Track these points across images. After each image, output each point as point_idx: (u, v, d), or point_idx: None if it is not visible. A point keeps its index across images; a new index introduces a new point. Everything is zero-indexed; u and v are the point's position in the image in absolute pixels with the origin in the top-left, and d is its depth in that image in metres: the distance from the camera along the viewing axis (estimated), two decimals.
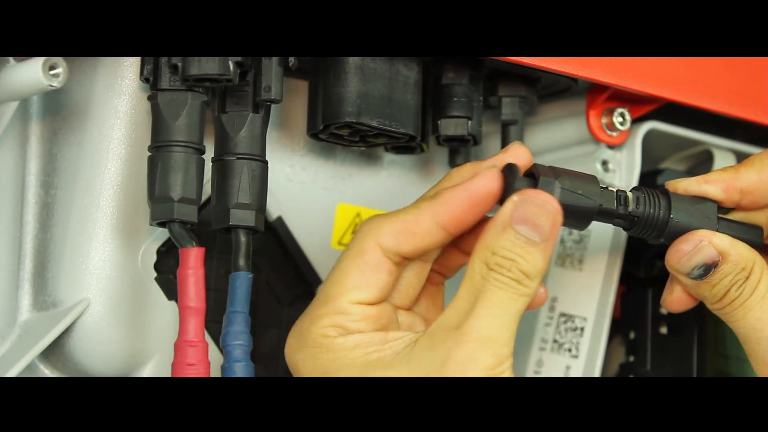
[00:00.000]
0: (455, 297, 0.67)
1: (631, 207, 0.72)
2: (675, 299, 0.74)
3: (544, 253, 0.67)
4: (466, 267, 0.68)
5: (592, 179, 0.70)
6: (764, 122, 0.84)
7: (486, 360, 0.65)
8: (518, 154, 0.70)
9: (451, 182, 0.71)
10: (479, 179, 0.69)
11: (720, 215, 0.73)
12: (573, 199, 0.69)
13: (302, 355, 0.68)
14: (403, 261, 0.70)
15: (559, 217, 0.68)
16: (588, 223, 0.71)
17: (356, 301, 0.69)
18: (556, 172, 0.69)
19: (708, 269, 0.71)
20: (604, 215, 0.71)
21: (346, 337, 0.67)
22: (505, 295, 0.66)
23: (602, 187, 0.71)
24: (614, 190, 0.72)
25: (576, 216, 0.70)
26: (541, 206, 0.67)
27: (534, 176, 0.69)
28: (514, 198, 0.67)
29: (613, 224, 0.73)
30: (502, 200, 0.69)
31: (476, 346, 0.65)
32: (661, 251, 0.74)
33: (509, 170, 0.69)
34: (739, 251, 0.71)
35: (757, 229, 0.74)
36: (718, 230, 0.72)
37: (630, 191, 0.72)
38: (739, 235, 0.73)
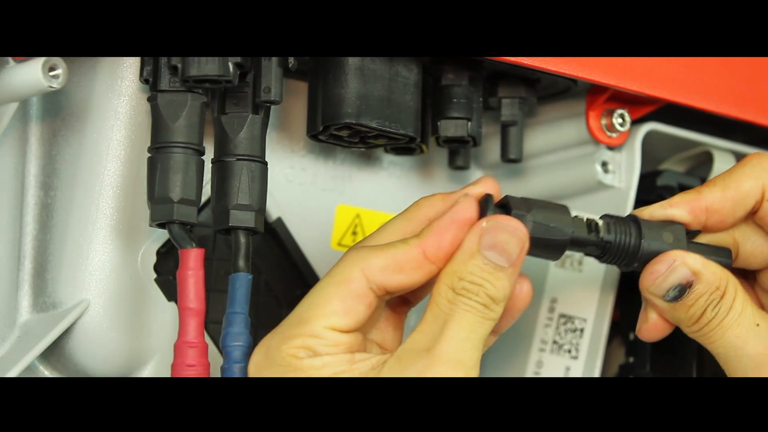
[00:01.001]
0: (421, 321, 0.67)
1: (602, 234, 0.72)
2: (651, 326, 0.73)
3: (511, 278, 0.68)
4: (431, 293, 0.68)
5: (564, 209, 0.71)
6: (764, 123, 0.84)
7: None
8: (488, 187, 0.71)
9: (422, 212, 0.71)
10: (462, 207, 0.69)
11: (689, 240, 0.73)
12: (546, 232, 0.70)
13: (269, 373, 0.67)
14: (386, 295, 0.70)
15: (527, 243, 0.68)
16: (561, 254, 0.71)
17: (331, 327, 0.68)
18: (528, 205, 0.70)
19: (683, 290, 0.71)
20: (577, 244, 0.72)
21: (313, 359, 0.67)
22: (473, 318, 0.67)
23: (573, 216, 0.71)
24: (584, 218, 0.72)
25: (549, 248, 0.70)
26: (510, 232, 0.68)
27: (506, 207, 0.70)
28: (483, 224, 0.68)
29: (585, 253, 0.73)
30: None
31: (448, 368, 0.65)
32: None
33: (484, 201, 0.69)
34: (712, 270, 0.71)
35: (726, 250, 0.74)
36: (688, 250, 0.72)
37: (600, 219, 0.72)
38: (709, 256, 0.73)
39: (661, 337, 0.74)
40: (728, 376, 0.70)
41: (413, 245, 0.69)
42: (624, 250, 0.72)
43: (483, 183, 0.71)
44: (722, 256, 0.74)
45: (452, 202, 0.70)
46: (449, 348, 0.66)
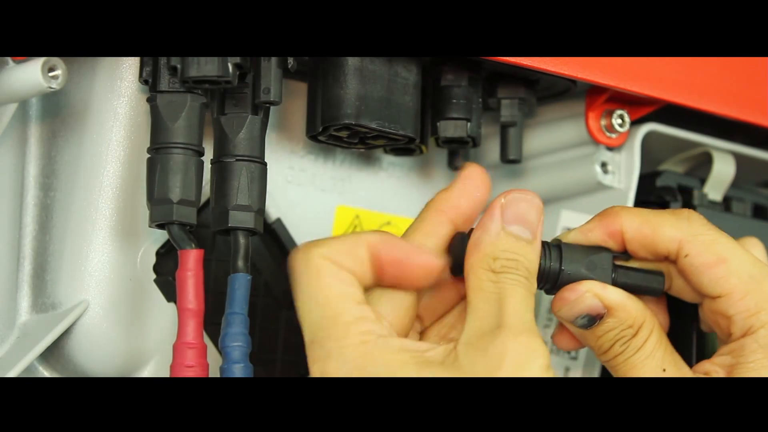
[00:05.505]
0: (472, 310, 0.67)
1: None
2: (563, 338, 0.74)
3: (537, 251, 0.69)
4: (467, 285, 0.68)
5: None
6: (764, 124, 0.84)
7: (543, 350, 0.65)
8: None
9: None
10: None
11: (619, 263, 0.73)
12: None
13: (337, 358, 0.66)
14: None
15: (542, 208, 0.69)
16: None
17: (358, 302, 0.66)
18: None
19: (592, 320, 0.70)
20: None
21: (385, 339, 0.66)
22: (523, 291, 0.67)
23: None
24: None
25: None
26: (529, 202, 0.69)
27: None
28: (501, 200, 0.68)
29: None
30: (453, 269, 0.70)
31: (527, 336, 0.65)
32: None
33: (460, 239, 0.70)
34: (628, 308, 0.71)
35: (657, 275, 0.73)
36: (614, 278, 0.72)
37: None
38: (636, 282, 0.72)
39: (573, 349, 0.75)
40: None
41: (362, 245, 0.68)
42: (545, 277, 0.71)
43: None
44: (651, 282, 0.73)
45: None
46: (518, 319, 0.66)
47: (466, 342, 0.66)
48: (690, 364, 0.72)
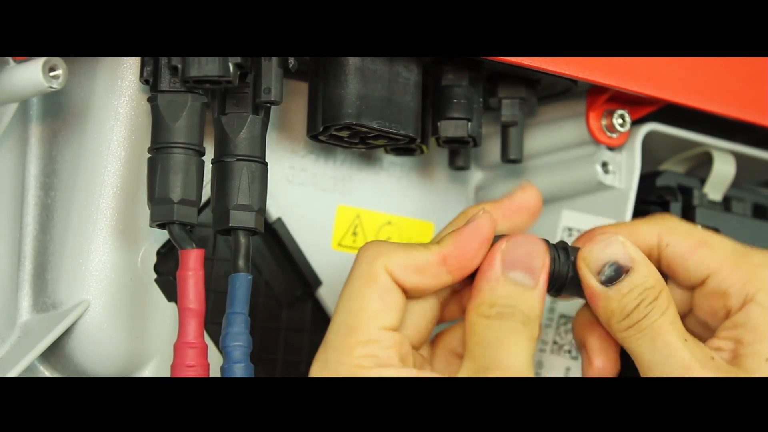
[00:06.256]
0: (467, 351, 0.68)
1: None
2: (596, 371, 0.74)
3: (540, 296, 0.69)
4: (466, 330, 0.68)
5: None
6: (764, 124, 0.84)
7: None
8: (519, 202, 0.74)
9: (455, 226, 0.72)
10: (483, 222, 0.69)
11: None
12: None
13: None
14: (408, 293, 0.70)
15: (548, 255, 0.69)
16: None
17: (383, 327, 0.67)
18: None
19: (618, 271, 0.70)
20: None
21: (381, 369, 0.66)
22: (519, 338, 0.67)
23: None
24: None
25: None
26: (530, 248, 0.68)
27: None
28: (502, 246, 0.68)
29: None
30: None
31: None
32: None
33: None
34: (651, 268, 0.70)
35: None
36: None
37: None
38: None
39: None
40: None
41: (434, 251, 0.69)
42: (553, 278, 0.71)
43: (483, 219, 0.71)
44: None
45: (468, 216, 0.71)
46: (507, 364, 0.66)
47: None
48: None
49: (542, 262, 0.69)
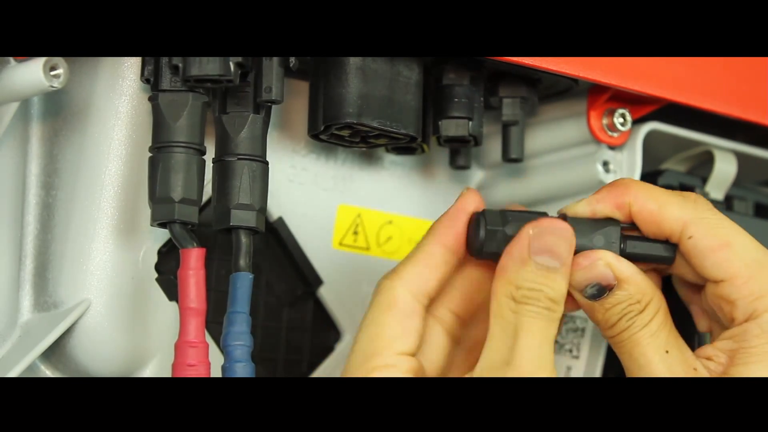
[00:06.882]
0: (490, 337, 0.68)
1: None
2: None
3: (565, 277, 0.69)
4: (491, 306, 0.69)
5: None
6: (765, 123, 0.84)
7: None
8: (472, 200, 0.73)
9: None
10: (468, 198, 0.72)
11: (628, 233, 0.72)
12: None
13: None
14: (429, 303, 0.71)
15: (574, 240, 0.69)
16: None
17: (401, 353, 0.69)
18: (504, 218, 0.71)
19: (602, 290, 0.70)
20: None
21: None
22: (541, 323, 0.68)
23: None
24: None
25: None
26: (558, 234, 0.69)
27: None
28: (530, 231, 0.68)
29: None
30: (470, 249, 0.71)
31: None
32: None
33: (476, 218, 0.72)
34: (638, 282, 0.70)
35: (668, 244, 0.72)
36: (623, 250, 0.72)
37: None
38: (646, 252, 0.72)
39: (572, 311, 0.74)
40: None
41: (431, 243, 0.71)
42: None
43: (467, 196, 0.73)
44: (661, 251, 0.73)
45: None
46: (528, 357, 0.67)
47: (479, 374, 0.67)
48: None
49: (569, 247, 0.69)
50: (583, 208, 0.73)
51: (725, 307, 0.71)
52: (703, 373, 0.70)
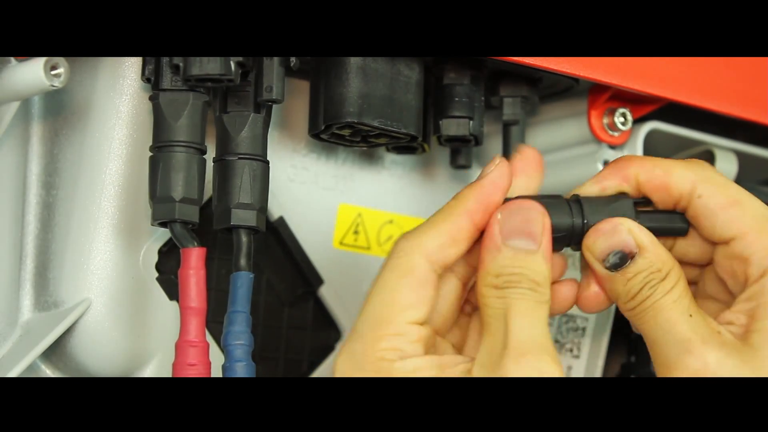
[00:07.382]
0: (484, 329, 0.68)
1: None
2: (590, 295, 0.72)
3: (545, 257, 0.68)
4: (478, 301, 0.68)
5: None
6: (765, 122, 0.84)
7: (549, 367, 0.66)
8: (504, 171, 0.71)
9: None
10: (501, 172, 0.70)
11: (641, 209, 0.72)
12: None
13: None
14: (444, 273, 0.70)
15: (546, 218, 0.69)
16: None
17: (412, 321, 0.68)
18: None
19: (624, 259, 0.69)
20: None
21: (404, 361, 0.66)
22: (528, 303, 0.67)
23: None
24: None
25: None
26: (527, 213, 0.68)
27: None
28: (498, 216, 0.68)
29: None
30: None
31: (533, 356, 0.66)
32: None
33: None
34: (658, 251, 0.70)
35: (680, 215, 0.72)
36: (639, 222, 0.71)
37: None
38: (661, 224, 0.72)
39: (599, 309, 0.73)
40: (654, 361, 0.69)
41: (461, 215, 0.69)
42: (569, 234, 0.70)
43: (501, 171, 0.70)
44: (676, 221, 0.72)
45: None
46: (521, 337, 0.66)
47: (480, 364, 0.67)
48: None
49: (541, 225, 0.68)
50: (591, 185, 0.72)
51: (738, 267, 0.71)
52: (727, 336, 0.69)
